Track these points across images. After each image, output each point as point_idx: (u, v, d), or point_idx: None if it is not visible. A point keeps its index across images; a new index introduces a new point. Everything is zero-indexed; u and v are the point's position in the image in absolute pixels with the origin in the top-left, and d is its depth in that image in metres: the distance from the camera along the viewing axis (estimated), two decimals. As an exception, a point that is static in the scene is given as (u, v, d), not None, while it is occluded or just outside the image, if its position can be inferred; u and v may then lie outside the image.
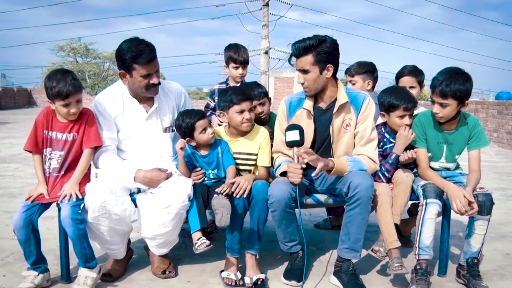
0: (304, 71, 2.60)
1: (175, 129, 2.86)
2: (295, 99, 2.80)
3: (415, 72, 3.15)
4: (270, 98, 3.20)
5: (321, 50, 2.54)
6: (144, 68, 2.57)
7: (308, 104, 2.71)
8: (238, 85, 3.42)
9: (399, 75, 3.21)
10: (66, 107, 2.51)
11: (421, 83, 3.17)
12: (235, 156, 2.81)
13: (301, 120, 2.72)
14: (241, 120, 2.73)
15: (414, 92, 3.07)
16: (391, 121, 2.82)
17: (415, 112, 2.87)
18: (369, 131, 2.67)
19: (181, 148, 2.65)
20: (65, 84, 2.46)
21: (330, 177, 2.70)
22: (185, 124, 2.69)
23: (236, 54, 3.48)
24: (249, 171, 2.85)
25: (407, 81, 3.14)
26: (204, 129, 2.70)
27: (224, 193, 2.50)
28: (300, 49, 2.56)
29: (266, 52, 23.47)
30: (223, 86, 3.56)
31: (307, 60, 2.56)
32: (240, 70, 3.49)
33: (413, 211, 3.32)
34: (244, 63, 3.50)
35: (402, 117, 2.77)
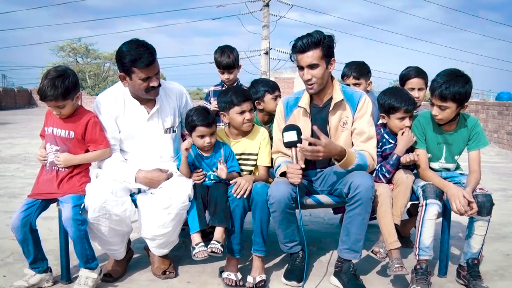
0: (312, 66, 2.57)
1: (176, 129, 2.88)
2: (292, 99, 2.81)
3: (423, 73, 3.11)
4: None
5: (328, 44, 2.55)
6: (143, 72, 2.56)
7: (304, 102, 2.71)
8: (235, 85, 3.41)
9: (406, 77, 3.13)
10: (49, 106, 2.55)
11: (427, 85, 3.15)
12: (237, 157, 2.82)
13: (298, 118, 2.73)
14: (242, 121, 2.74)
15: (421, 93, 3.06)
16: (391, 123, 2.82)
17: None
18: (368, 128, 2.66)
19: (186, 149, 2.65)
20: (47, 87, 2.44)
21: (330, 177, 2.71)
22: (190, 120, 2.70)
23: (220, 58, 3.37)
24: (250, 171, 2.86)
25: (416, 82, 3.08)
26: (202, 136, 2.70)
27: (216, 200, 2.57)
28: (310, 43, 2.54)
29: (267, 53, 23.42)
30: (218, 88, 3.54)
31: (316, 54, 2.55)
32: (225, 75, 3.40)
33: (412, 212, 3.32)
34: (227, 67, 3.37)
35: (402, 119, 2.77)
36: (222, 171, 2.65)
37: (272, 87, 3.08)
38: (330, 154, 2.47)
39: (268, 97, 3.04)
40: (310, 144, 2.43)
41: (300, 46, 2.56)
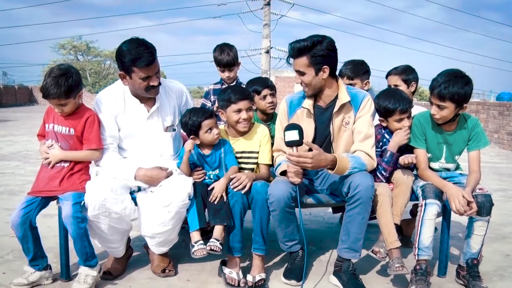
0: (300, 73, 2.60)
1: (176, 128, 2.88)
2: (295, 98, 2.80)
3: (400, 70, 3.17)
4: None
5: (316, 53, 2.53)
6: (143, 71, 2.56)
7: (308, 103, 2.71)
8: (234, 83, 3.42)
9: (387, 74, 3.26)
10: (51, 104, 2.55)
11: (408, 82, 3.15)
12: (238, 155, 2.82)
13: (301, 119, 2.72)
14: (237, 120, 2.73)
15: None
16: (391, 126, 2.82)
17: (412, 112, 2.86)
18: (367, 127, 2.66)
19: (189, 150, 2.65)
20: (50, 85, 2.45)
21: (331, 176, 2.70)
22: (192, 122, 2.69)
23: (220, 56, 3.41)
24: (252, 169, 2.86)
25: (391, 79, 3.19)
26: (210, 129, 2.70)
27: (215, 202, 2.56)
28: (295, 50, 2.56)
29: (267, 52, 23.39)
30: (218, 86, 3.56)
31: (302, 62, 2.56)
32: (226, 73, 3.45)
33: (414, 212, 3.32)
34: (228, 65, 3.42)
35: (400, 120, 2.76)
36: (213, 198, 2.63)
37: (261, 86, 3.04)
38: (319, 165, 2.43)
39: (256, 98, 3.03)
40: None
41: (289, 52, 2.59)
